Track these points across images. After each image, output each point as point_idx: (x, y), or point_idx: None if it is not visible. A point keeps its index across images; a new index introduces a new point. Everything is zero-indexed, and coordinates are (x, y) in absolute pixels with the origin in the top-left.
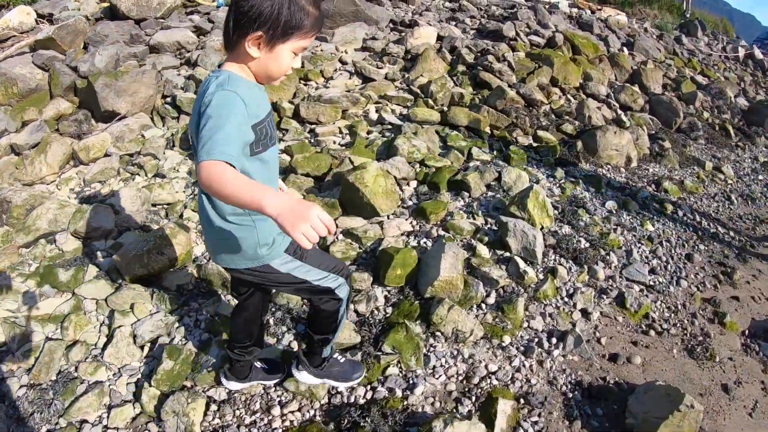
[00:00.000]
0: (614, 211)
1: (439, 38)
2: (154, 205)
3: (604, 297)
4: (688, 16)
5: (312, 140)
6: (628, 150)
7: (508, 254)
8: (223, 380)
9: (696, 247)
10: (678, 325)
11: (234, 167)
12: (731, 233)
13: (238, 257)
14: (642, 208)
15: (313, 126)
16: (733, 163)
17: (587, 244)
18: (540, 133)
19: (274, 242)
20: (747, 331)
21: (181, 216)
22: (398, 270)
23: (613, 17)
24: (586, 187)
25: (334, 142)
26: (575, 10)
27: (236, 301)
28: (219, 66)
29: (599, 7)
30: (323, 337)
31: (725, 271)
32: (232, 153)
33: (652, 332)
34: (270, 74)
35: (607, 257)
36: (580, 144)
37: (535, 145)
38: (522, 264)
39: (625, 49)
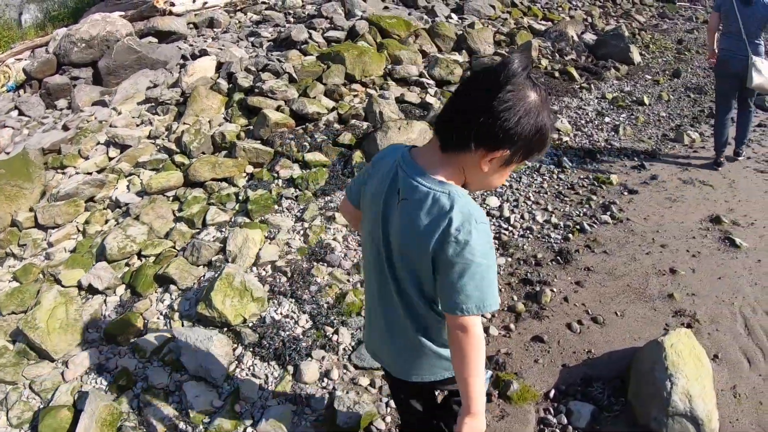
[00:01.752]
0: None
1: (220, 66)
2: None
3: None
4: None
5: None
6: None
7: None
8: None
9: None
10: None
11: None
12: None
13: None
14: None
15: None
16: (575, 111)
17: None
18: (309, 156)
19: None
20: None
21: None
22: None
23: None
24: None
25: (65, 250)
26: None
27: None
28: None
29: None
30: None
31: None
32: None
33: None
34: (485, 188)
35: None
36: (358, 155)
37: (296, 175)
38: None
39: (453, 15)
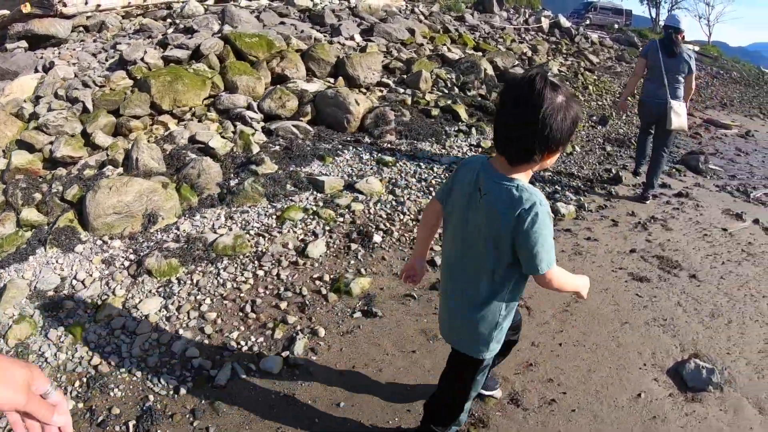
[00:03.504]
0: None
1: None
2: None
3: None
4: None
5: None
6: (146, 204)
7: None
8: None
9: None
10: None
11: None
12: None
13: (490, 347)
14: None
15: None
16: (414, 164)
17: None
18: (26, 213)
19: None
20: None
21: None
22: None
23: (365, 3)
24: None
25: None
26: (345, 2)
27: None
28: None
29: None
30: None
31: None
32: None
33: None
34: (545, 168)
35: None
36: (66, 217)
37: (6, 234)
38: None
39: (357, 36)
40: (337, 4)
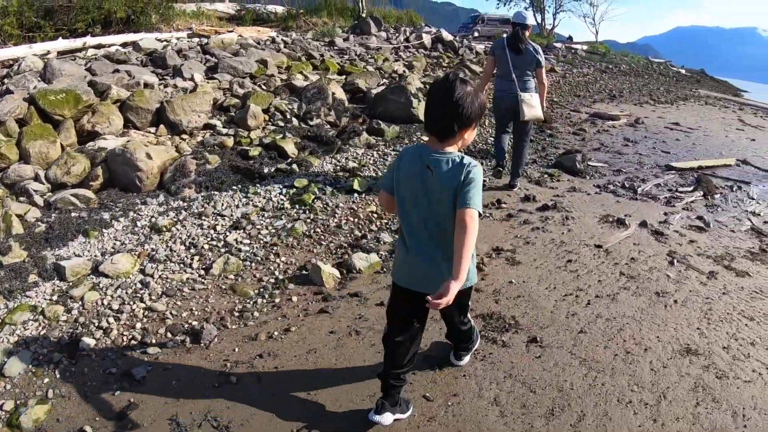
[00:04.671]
0: None
1: None
2: None
3: None
4: (363, 15)
5: None
6: None
7: None
8: (384, 416)
9: None
10: None
11: None
12: None
13: (471, 277)
14: None
15: None
16: (191, 221)
17: None
18: None
19: None
20: None
21: None
22: None
23: (217, 38)
24: None
25: None
26: (196, 39)
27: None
28: (426, 144)
29: (230, 29)
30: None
31: None
32: None
33: None
34: (467, 145)
35: None
36: None
37: None
38: None
39: (197, 75)
40: (186, 42)
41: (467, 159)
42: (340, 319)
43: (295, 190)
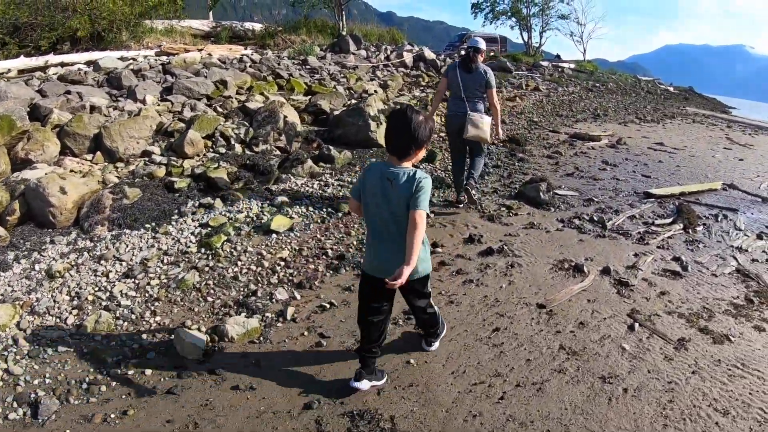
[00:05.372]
0: None
1: None
2: None
3: None
4: (344, 33)
5: None
6: None
7: None
8: (363, 383)
9: None
10: None
11: None
12: None
13: (424, 267)
14: None
15: None
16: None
17: None
18: None
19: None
20: None
21: None
22: None
23: (180, 57)
24: None
25: None
26: (164, 58)
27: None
28: (388, 161)
29: (201, 47)
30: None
31: None
32: None
33: None
34: (419, 160)
35: None
36: None
37: None
38: None
39: (149, 98)
40: (150, 61)
41: (419, 173)
42: (185, 404)
43: (210, 229)
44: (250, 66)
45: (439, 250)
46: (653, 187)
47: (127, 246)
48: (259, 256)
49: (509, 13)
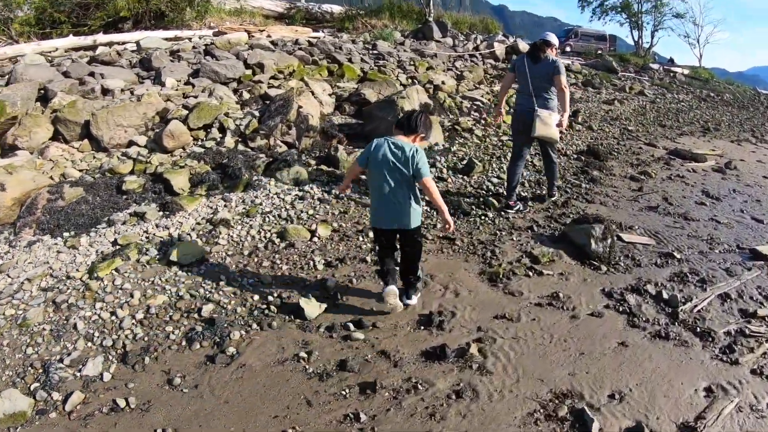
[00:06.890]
0: None
1: None
2: None
3: None
4: (429, 19)
5: None
6: None
7: None
8: (412, 299)
9: None
10: None
11: None
12: None
13: (417, 220)
14: None
15: None
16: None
17: None
18: None
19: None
20: None
21: None
22: None
23: (224, 38)
24: None
25: None
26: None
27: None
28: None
29: (262, 29)
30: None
31: None
32: None
33: None
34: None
35: None
36: None
37: None
38: None
39: (172, 81)
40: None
41: (416, 146)
42: None
43: (117, 248)
44: (298, 50)
45: (359, 335)
46: (766, 239)
47: (30, 257)
48: (129, 298)
49: (619, 9)
